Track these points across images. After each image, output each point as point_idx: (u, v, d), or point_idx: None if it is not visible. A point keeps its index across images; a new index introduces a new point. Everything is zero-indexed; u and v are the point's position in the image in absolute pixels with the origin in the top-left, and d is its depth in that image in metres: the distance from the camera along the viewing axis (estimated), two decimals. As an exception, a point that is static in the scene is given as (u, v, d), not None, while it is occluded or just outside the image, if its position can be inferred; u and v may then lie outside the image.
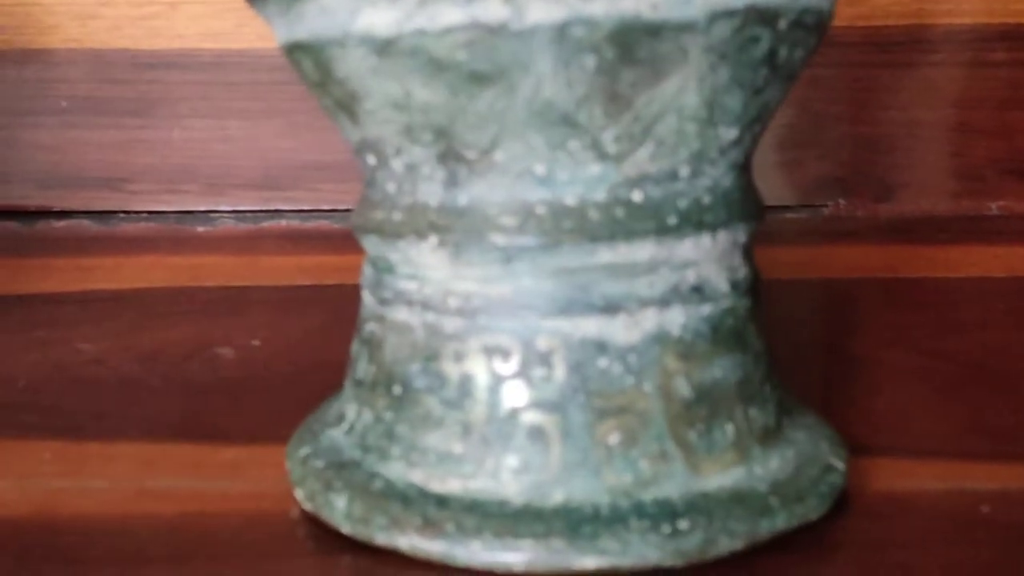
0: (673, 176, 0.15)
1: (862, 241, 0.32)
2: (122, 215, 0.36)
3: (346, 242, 0.33)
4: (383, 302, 0.17)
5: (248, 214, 0.36)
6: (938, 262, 0.31)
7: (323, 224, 0.36)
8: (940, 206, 0.34)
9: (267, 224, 0.36)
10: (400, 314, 0.17)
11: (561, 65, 0.14)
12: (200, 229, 0.36)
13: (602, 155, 0.15)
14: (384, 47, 0.14)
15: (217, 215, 0.36)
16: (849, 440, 0.18)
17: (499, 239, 0.15)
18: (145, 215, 0.36)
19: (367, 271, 0.18)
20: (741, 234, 0.16)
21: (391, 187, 0.16)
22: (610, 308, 0.15)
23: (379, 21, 0.14)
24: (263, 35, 0.36)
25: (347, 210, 0.35)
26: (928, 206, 0.34)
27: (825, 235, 0.33)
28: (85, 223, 0.36)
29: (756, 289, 0.17)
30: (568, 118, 0.14)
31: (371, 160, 0.17)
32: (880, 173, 0.34)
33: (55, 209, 0.36)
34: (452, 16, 0.14)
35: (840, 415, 0.20)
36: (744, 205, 0.16)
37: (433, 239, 0.16)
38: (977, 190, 0.34)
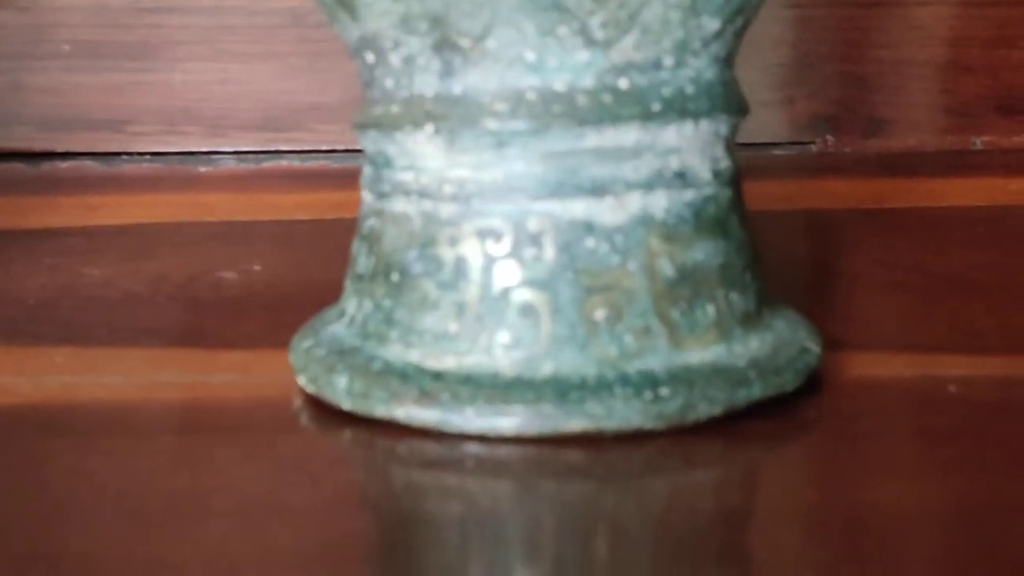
0: (657, 65, 0.16)
1: (849, 175, 0.33)
2: (125, 156, 0.37)
3: (344, 180, 0.34)
4: (381, 196, 0.18)
5: (249, 154, 0.37)
6: (923, 193, 0.31)
7: (322, 163, 0.36)
8: (926, 141, 0.35)
9: (267, 164, 0.36)
10: (398, 205, 0.17)
11: (550, -52, 0.15)
12: (202, 169, 0.36)
13: (590, 41, 0.16)
14: (380, -66, 0.15)
15: (218, 156, 0.37)
16: (826, 336, 0.19)
17: (492, 124, 0.16)
18: (148, 156, 0.37)
19: (366, 170, 0.19)
20: (723, 126, 0.17)
21: (389, 82, 0.17)
22: (597, 190, 0.16)
23: (375, -92, 0.15)
24: (262, -21, 0.36)
25: (345, 150, 0.35)
26: (915, 142, 0.35)
27: (813, 170, 0.34)
28: (89, 164, 0.37)
29: (737, 181, 0.18)
30: (557, 3, 0.15)
31: (369, 58, 0.17)
32: (868, 110, 0.35)
33: (59, 151, 0.37)
34: (445, -101, 0.14)
35: (819, 317, 0.21)
36: (726, 98, 0.17)
37: (429, 128, 0.16)
38: (963, 126, 0.35)
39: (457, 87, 0.16)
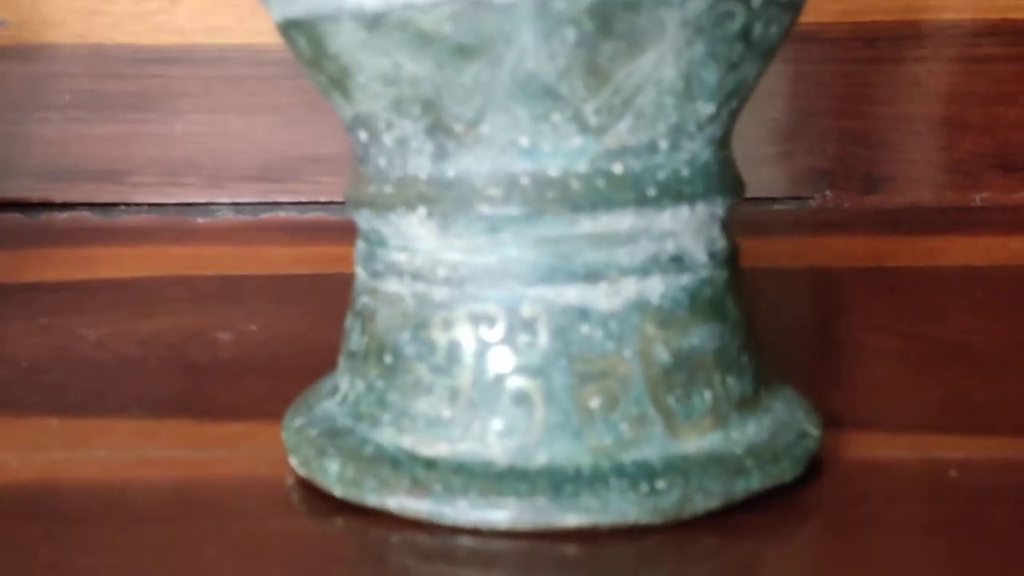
0: (652, 148, 0.16)
1: (848, 232, 0.33)
2: (123, 207, 0.37)
3: (342, 233, 0.34)
4: (375, 275, 0.18)
5: (247, 206, 0.37)
6: (921, 252, 0.31)
7: (320, 216, 0.36)
8: (925, 198, 0.34)
9: (266, 216, 0.36)
10: (391, 285, 0.17)
11: (543, 38, 0.14)
12: (200, 221, 0.36)
13: (584, 127, 0.16)
14: (374, 22, 0.15)
15: (217, 207, 0.37)
16: (826, 413, 0.19)
17: (485, 209, 0.16)
18: (146, 207, 0.37)
19: (360, 246, 0.18)
20: (719, 207, 0.17)
21: (382, 161, 0.17)
22: (592, 276, 0.16)
23: (369, -3, 0.15)
24: (262, 30, 0.36)
25: (343, 203, 0.35)
26: (914, 198, 0.35)
27: (812, 226, 0.34)
28: (87, 215, 0.37)
29: (734, 261, 0.18)
30: (551, 90, 0.15)
31: (363, 136, 0.17)
32: (867, 166, 0.35)
33: (57, 201, 0.37)
34: (439, -9, 0.14)
35: (819, 391, 0.21)
36: (722, 179, 0.17)
37: (422, 211, 0.16)
38: (962, 183, 0.35)
39: (450, 170, 0.16)
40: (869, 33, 0.35)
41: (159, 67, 0.37)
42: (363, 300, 0.18)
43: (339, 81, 0.16)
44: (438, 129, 0.16)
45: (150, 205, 0.37)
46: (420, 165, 0.16)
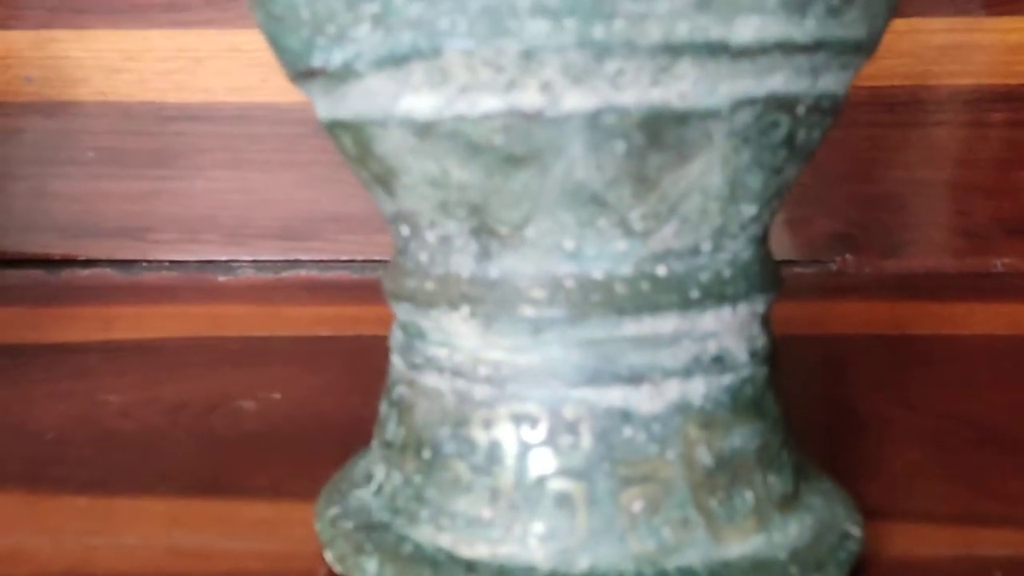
0: (696, 251, 0.16)
1: (869, 297, 0.33)
2: (144, 264, 0.37)
3: (363, 292, 0.34)
4: (413, 367, 0.18)
5: (268, 264, 0.37)
6: (944, 319, 0.31)
7: (341, 274, 0.37)
8: (945, 263, 0.35)
9: (286, 274, 0.37)
10: (430, 379, 0.17)
11: (592, 149, 0.15)
12: (221, 278, 0.36)
13: (629, 232, 0.16)
14: (424, 129, 0.15)
15: (238, 264, 0.37)
16: (862, 501, 0.19)
17: (529, 311, 0.16)
18: (167, 264, 0.37)
19: (397, 335, 0.18)
20: (760, 305, 0.17)
21: (424, 257, 0.17)
22: (635, 378, 0.16)
23: (420, 106, 0.15)
24: (285, 89, 0.37)
25: (364, 261, 0.35)
26: (933, 263, 0.35)
27: (833, 291, 0.34)
28: (108, 272, 0.37)
29: (774, 357, 0.18)
30: (598, 198, 0.15)
31: (404, 231, 0.17)
32: (886, 230, 0.35)
33: (79, 258, 0.37)
34: (491, 103, 0.14)
35: (852, 476, 0.21)
36: (762, 277, 0.17)
37: (465, 309, 0.16)
38: (981, 248, 0.35)
39: (494, 271, 0.16)
40: (887, 98, 0.35)
41: (182, 124, 0.37)
42: (400, 390, 0.18)
43: (384, 180, 0.17)
44: (483, 231, 0.16)
45: (171, 262, 0.37)
46: (463, 264, 0.16)
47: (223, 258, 0.37)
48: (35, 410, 0.26)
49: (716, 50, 0.14)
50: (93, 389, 0.28)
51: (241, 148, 0.37)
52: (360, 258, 0.36)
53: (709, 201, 0.16)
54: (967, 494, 0.20)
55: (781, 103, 0.15)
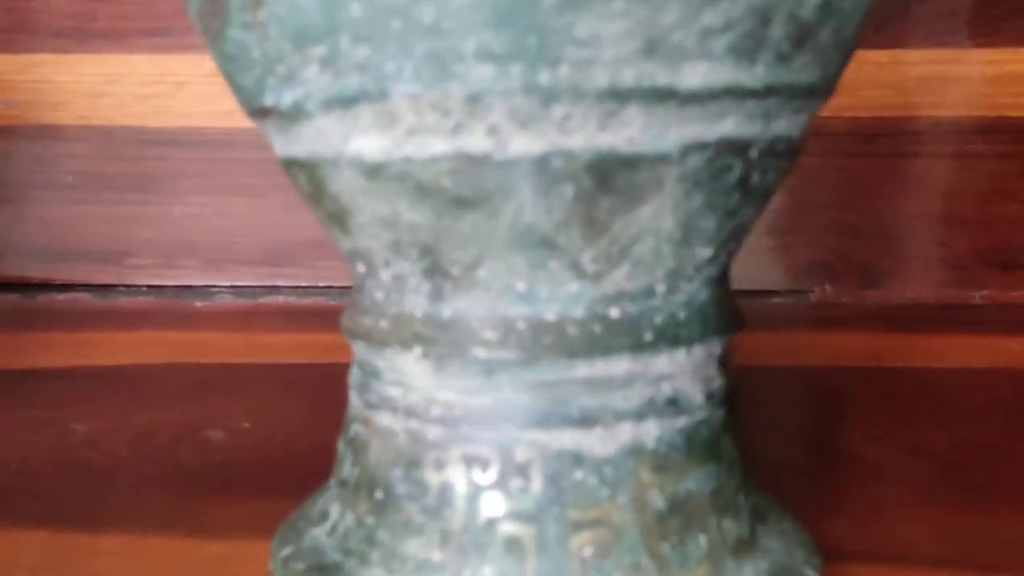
0: (650, 293, 0.16)
1: (847, 328, 0.33)
2: (122, 288, 0.37)
3: (338, 319, 0.34)
4: (369, 405, 0.17)
5: (246, 289, 0.37)
6: (921, 351, 0.31)
7: (319, 300, 0.36)
8: (924, 294, 0.34)
9: (264, 300, 0.37)
10: (384, 419, 0.17)
11: (541, 193, 0.14)
12: (198, 304, 0.36)
13: (581, 274, 0.15)
14: (374, 171, 0.15)
15: (216, 290, 0.37)
16: (824, 543, 0.19)
17: (481, 353, 0.16)
18: (144, 289, 0.37)
19: (354, 372, 0.18)
20: (716, 346, 0.17)
21: (379, 295, 0.17)
22: (587, 421, 0.16)
23: (369, 147, 0.15)
24: (266, 115, 0.37)
25: (342, 287, 0.35)
26: (913, 294, 0.35)
27: (811, 321, 0.34)
28: (85, 296, 0.37)
29: (731, 398, 0.18)
30: (548, 241, 0.15)
31: (360, 268, 0.17)
32: (866, 261, 0.35)
33: (56, 282, 0.37)
34: (438, 146, 0.14)
35: (817, 515, 0.21)
36: (719, 318, 0.17)
37: (417, 350, 0.16)
38: (961, 279, 0.35)
39: (447, 311, 0.16)
40: (868, 129, 0.35)
41: (162, 149, 0.37)
42: (356, 428, 0.18)
43: (338, 218, 0.16)
44: (435, 271, 0.16)
45: (148, 287, 0.37)
46: (416, 303, 0.16)
47: (201, 283, 0.37)
48: (3, 438, 0.26)
49: (664, 96, 0.14)
50: (62, 417, 0.28)
51: (221, 173, 0.37)
52: (338, 284, 0.36)
53: (662, 244, 0.16)
54: (934, 535, 0.20)
55: (733, 147, 0.15)
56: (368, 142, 0.15)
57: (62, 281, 0.37)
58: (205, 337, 0.34)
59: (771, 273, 0.35)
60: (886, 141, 0.35)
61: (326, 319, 0.35)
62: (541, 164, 0.14)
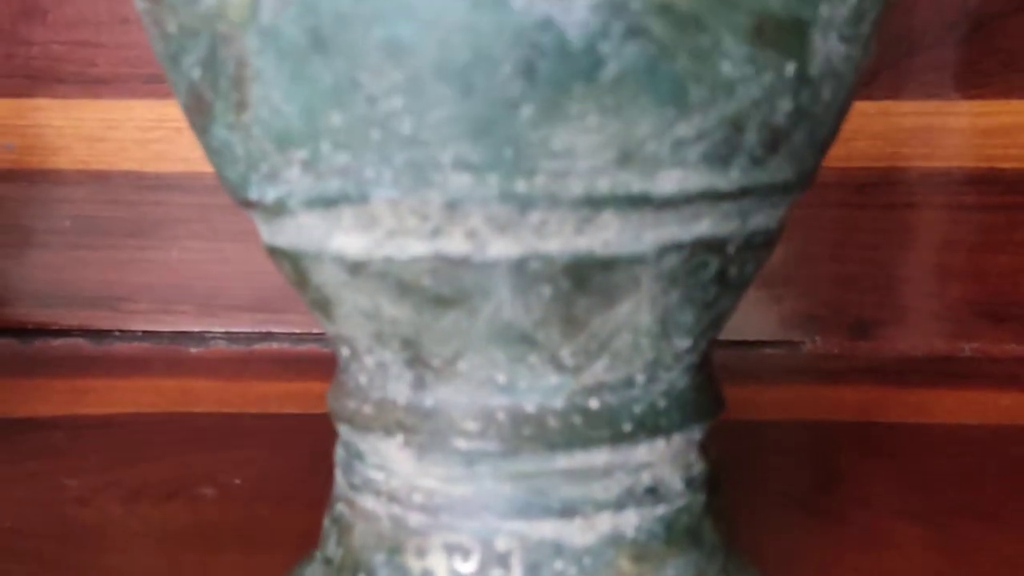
0: (629, 383, 0.16)
1: (838, 381, 0.33)
2: (117, 334, 0.37)
3: (333, 368, 0.34)
4: (352, 487, 0.18)
5: (240, 336, 0.37)
6: (912, 406, 0.31)
7: (312, 348, 0.37)
8: (915, 346, 0.35)
9: (258, 346, 0.37)
10: (368, 502, 0.17)
11: (520, 293, 0.15)
12: (193, 350, 0.37)
13: (560, 367, 0.16)
14: (355, 267, 0.15)
15: (210, 336, 0.37)
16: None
17: (462, 443, 0.16)
18: (140, 335, 0.37)
19: (340, 451, 0.18)
20: (696, 432, 0.17)
21: (363, 379, 0.17)
22: (567, 511, 0.16)
23: (351, 245, 0.15)
24: (263, 161, 0.37)
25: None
26: (904, 346, 0.35)
27: (803, 372, 0.34)
28: (81, 342, 0.37)
29: (713, 480, 0.18)
30: (527, 337, 0.15)
31: (345, 352, 0.17)
32: (857, 312, 0.35)
33: (53, 327, 0.37)
34: (418, 248, 0.14)
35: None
36: (699, 405, 0.17)
37: (400, 437, 0.16)
38: (951, 331, 0.35)
39: (428, 400, 0.16)
40: (858, 179, 0.35)
41: (160, 194, 0.37)
42: (340, 508, 0.18)
43: (322, 306, 0.17)
44: (417, 362, 0.16)
45: (144, 333, 0.37)
46: (399, 391, 0.17)
47: (196, 329, 0.37)
48: (-4, 493, 0.26)
49: (639, 202, 0.14)
50: (55, 471, 0.28)
51: (218, 219, 0.37)
52: (333, 331, 0.36)
53: (640, 338, 0.16)
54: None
55: (710, 245, 0.15)
56: (349, 240, 0.15)
57: (59, 326, 0.37)
58: (199, 385, 0.34)
59: (762, 324, 0.35)
60: (877, 192, 0.35)
61: (319, 367, 0.36)
62: (519, 266, 0.14)
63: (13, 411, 0.32)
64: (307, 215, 0.15)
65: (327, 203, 0.15)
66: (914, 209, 0.35)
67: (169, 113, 0.38)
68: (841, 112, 0.16)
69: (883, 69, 0.35)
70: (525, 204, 0.14)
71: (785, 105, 0.14)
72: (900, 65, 0.35)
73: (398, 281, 0.15)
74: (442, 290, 0.15)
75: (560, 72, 0.13)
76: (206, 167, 0.40)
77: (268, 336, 0.37)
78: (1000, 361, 0.34)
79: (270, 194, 0.15)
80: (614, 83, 0.13)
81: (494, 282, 0.15)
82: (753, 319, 0.34)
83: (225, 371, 0.35)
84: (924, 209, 0.35)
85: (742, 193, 0.15)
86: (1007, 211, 0.35)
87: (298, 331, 0.37)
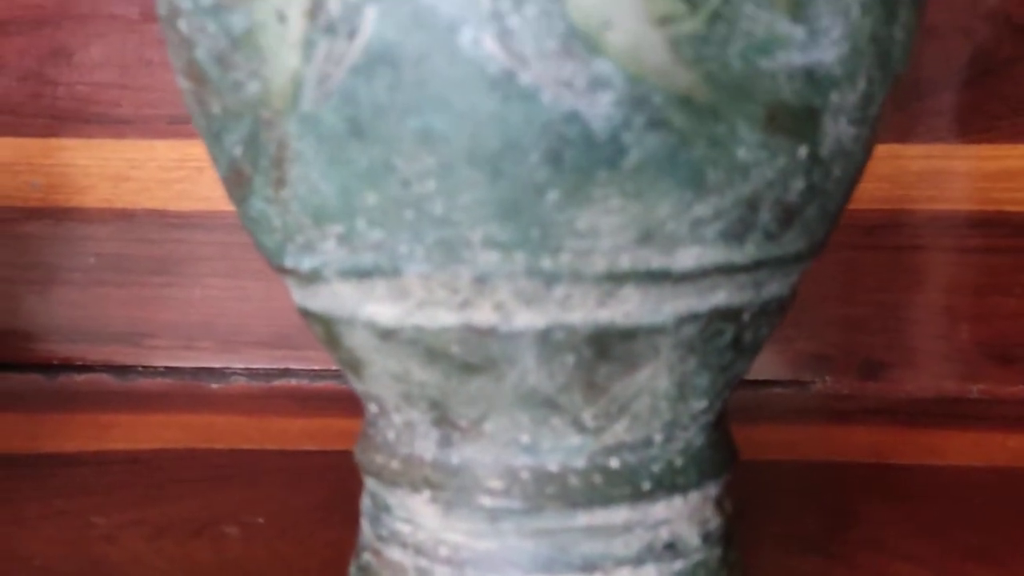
0: (648, 443, 0.17)
1: (848, 421, 0.34)
2: (140, 370, 0.38)
3: (351, 404, 0.34)
4: (379, 538, 0.18)
5: (260, 372, 0.38)
6: (922, 448, 0.32)
7: (331, 384, 0.37)
8: (924, 387, 0.35)
9: (278, 383, 0.37)
10: (395, 553, 0.18)
11: (544, 361, 0.15)
12: (214, 386, 0.37)
13: (582, 429, 0.16)
14: (386, 334, 0.16)
15: (231, 372, 0.38)
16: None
17: (487, 501, 0.17)
18: (162, 370, 0.38)
19: (367, 502, 0.19)
20: (713, 489, 0.18)
21: (391, 435, 0.18)
22: (587, 567, 0.17)
23: (383, 313, 0.16)
24: (283, 201, 0.38)
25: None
26: (913, 387, 0.35)
27: (812, 413, 0.34)
28: (104, 377, 0.38)
29: (728, 533, 0.18)
30: (550, 401, 0.16)
31: (373, 408, 0.18)
32: (866, 353, 0.36)
33: (78, 363, 0.38)
34: (447, 318, 0.15)
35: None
36: (715, 461, 0.18)
37: (427, 493, 0.17)
38: (959, 372, 0.35)
39: (455, 458, 0.17)
40: (866, 221, 0.36)
41: (182, 232, 0.38)
42: (367, 557, 0.19)
43: (352, 366, 0.17)
44: (444, 422, 0.17)
45: (166, 368, 0.38)
46: (426, 448, 0.17)
47: (217, 365, 0.38)
48: (26, 531, 0.27)
49: (658, 277, 0.15)
50: (84, 508, 0.28)
51: (238, 256, 0.38)
52: (351, 367, 0.37)
53: (658, 401, 0.16)
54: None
55: (725, 314, 0.16)
56: (381, 309, 0.16)
57: (83, 362, 0.38)
58: (220, 420, 0.35)
59: (773, 364, 0.36)
60: (885, 234, 0.36)
61: (338, 404, 0.36)
62: (544, 336, 0.15)
63: (40, 446, 0.33)
64: (341, 284, 0.16)
65: (361, 275, 0.15)
66: (922, 251, 0.36)
67: (191, 153, 0.38)
68: (851, 186, 0.17)
69: (891, 113, 0.35)
70: (550, 279, 0.14)
71: (798, 185, 0.15)
72: (908, 109, 0.36)
73: (427, 348, 0.16)
74: (470, 357, 0.16)
75: (585, 160, 0.13)
76: (227, 206, 0.40)
77: (287, 372, 0.38)
78: (1008, 403, 0.35)
79: (305, 263, 0.16)
80: (636, 169, 0.14)
81: (520, 351, 0.15)
82: (763, 359, 0.35)
83: (245, 407, 0.36)
84: (932, 251, 0.36)
85: (756, 266, 0.16)
86: (1014, 254, 0.36)
87: (317, 367, 0.38)
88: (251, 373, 0.38)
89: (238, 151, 0.16)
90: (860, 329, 0.36)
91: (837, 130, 0.15)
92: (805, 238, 0.16)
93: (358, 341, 0.17)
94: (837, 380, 0.35)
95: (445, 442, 0.17)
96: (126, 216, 0.38)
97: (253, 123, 0.15)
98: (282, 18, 0.13)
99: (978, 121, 0.36)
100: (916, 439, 0.32)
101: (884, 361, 0.36)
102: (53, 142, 0.39)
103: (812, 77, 0.14)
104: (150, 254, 0.38)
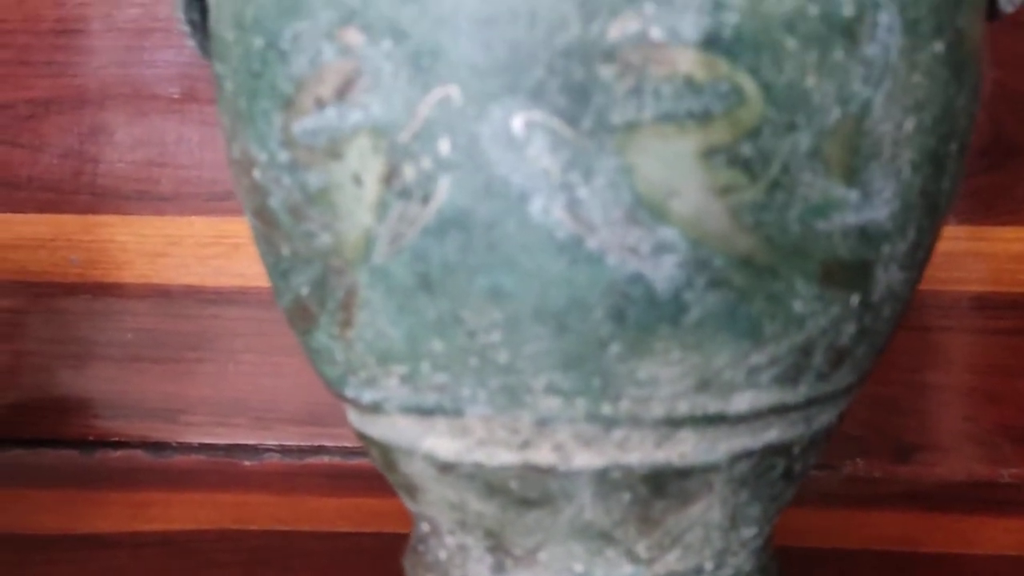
0: (699, 570, 0.17)
1: (879, 507, 0.34)
2: (175, 446, 0.38)
3: (384, 482, 0.35)
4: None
5: (293, 449, 0.38)
6: (953, 535, 0.32)
7: (363, 462, 0.38)
8: (955, 471, 0.35)
9: (311, 460, 0.38)
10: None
11: (601, 497, 0.16)
12: (247, 463, 0.38)
13: (635, 559, 0.17)
14: (445, 467, 0.16)
15: (264, 449, 0.38)
16: None
17: (540, 628, 0.17)
18: (196, 447, 0.38)
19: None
20: (761, 612, 0.18)
21: (442, 555, 0.18)
22: None
23: (442, 447, 0.16)
24: (316, 278, 0.38)
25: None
26: (943, 470, 0.35)
27: (843, 498, 0.34)
28: (140, 454, 0.38)
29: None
30: (606, 534, 0.16)
31: (424, 527, 0.18)
32: (896, 435, 0.36)
33: (113, 439, 0.38)
34: (507, 457, 0.16)
35: None
36: (763, 585, 0.18)
37: (481, 620, 0.17)
38: (990, 456, 0.35)
39: (508, 583, 0.17)
40: (895, 303, 0.36)
41: (217, 308, 0.39)
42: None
43: (408, 490, 0.18)
44: (499, 549, 0.17)
45: (200, 445, 0.38)
46: (479, 572, 0.18)
47: (250, 442, 0.38)
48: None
49: (714, 420, 0.15)
50: (119, 597, 0.29)
51: (272, 333, 0.38)
52: (382, 444, 0.37)
53: (711, 531, 0.17)
54: None
55: (777, 450, 0.16)
56: (441, 443, 0.16)
57: (118, 438, 0.38)
58: (253, 499, 0.35)
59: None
60: (912, 314, 0.36)
61: (370, 482, 0.37)
62: (601, 475, 0.16)
63: (75, 526, 0.33)
64: (402, 418, 0.16)
65: (423, 412, 0.16)
66: (949, 332, 0.36)
67: (227, 229, 0.39)
68: (898, 321, 0.17)
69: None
70: (610, 424, 0.15)
71: (850, 329, 0.15)
72: (934, 193, 0.36)
73: (486, 482, 0.16)
74: (528, 493, 0.16)
75: (647, 317, 0.14)
76: (262, 282, 0.41)
77: (321, 450, 0.38)
78: (1040, 488, 0.35)
79: (366, 396, 0.17)
80: (696, 325, 0.14)
81: (577, 488, 0.16)
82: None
83: (278, 485, 0.36)
84: (959, 332, 0.36)
85: (808, 404, 0.16)
86: (1042, 336, 0.36)
87: (350, 444, 0.38)
88: (284, 450, 0.38)
89: (305, 291, 0.16)
90: (891, 411, 0.36)
91: (888, 277, 0.15)
92: (855, 374, 0.16)
93: (415, 469, 0.17)
94: (868, 463, 0.36)
95: (499, 568, 0.17)
96: (163, 292, 0.39)
97: (323, 268, 0.15)
98: (358, 181, 0.14)
99: (1004, 203, 0.36)
100: (947, 525, 0.32)
101: (914, 444, 0.36)
102: (92, 219, 0.40)
103: (865, 234, 0.14)
104: (186, 330, 0.39)
